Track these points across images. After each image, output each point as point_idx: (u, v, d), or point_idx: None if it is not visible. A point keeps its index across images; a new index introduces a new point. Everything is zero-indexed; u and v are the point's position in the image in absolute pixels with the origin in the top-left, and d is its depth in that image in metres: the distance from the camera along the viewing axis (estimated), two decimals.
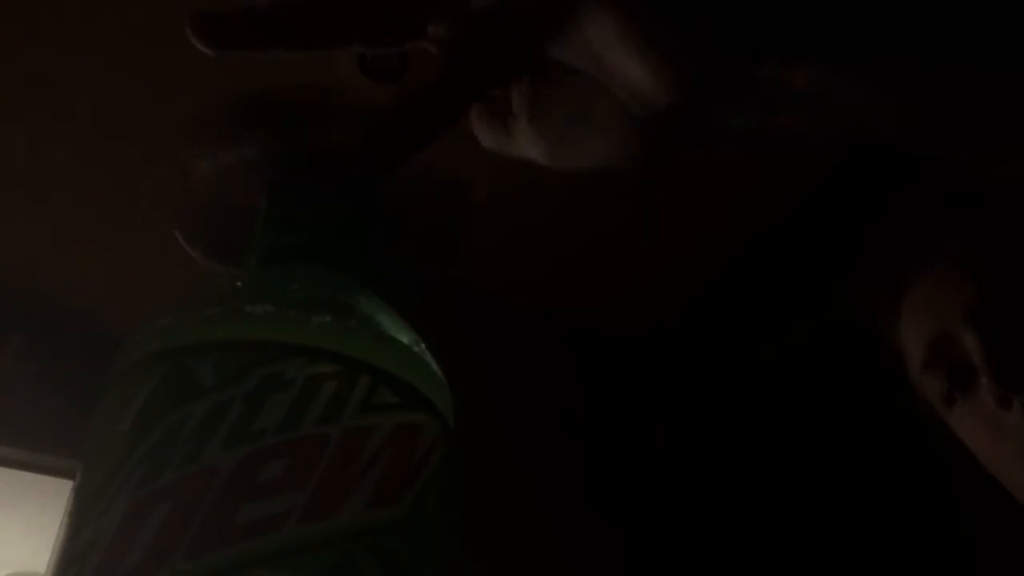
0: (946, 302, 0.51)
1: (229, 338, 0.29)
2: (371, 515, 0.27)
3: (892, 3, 0.31)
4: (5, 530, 1.32)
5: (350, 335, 0.30)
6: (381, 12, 0.32)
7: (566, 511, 1.26)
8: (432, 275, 0.57)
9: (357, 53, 0.39)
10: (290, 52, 0.32)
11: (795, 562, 1.25)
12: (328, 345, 0.29)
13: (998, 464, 0.51)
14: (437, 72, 0.32)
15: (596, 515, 1.30)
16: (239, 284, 0.33)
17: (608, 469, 1.38)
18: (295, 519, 0.26)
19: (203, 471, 0.26)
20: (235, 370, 0.28)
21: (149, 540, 0.25)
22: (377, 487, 0.27)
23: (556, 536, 1.21)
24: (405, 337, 0.32)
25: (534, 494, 1.23)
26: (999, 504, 0.52)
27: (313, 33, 0.33)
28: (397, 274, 0.40)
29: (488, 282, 0.62)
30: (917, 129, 0.31)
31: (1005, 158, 0.34)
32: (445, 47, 0.33)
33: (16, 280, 0.61)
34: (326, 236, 0.37)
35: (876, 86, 0.30)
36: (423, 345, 0.33)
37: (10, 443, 0.78)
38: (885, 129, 0.32)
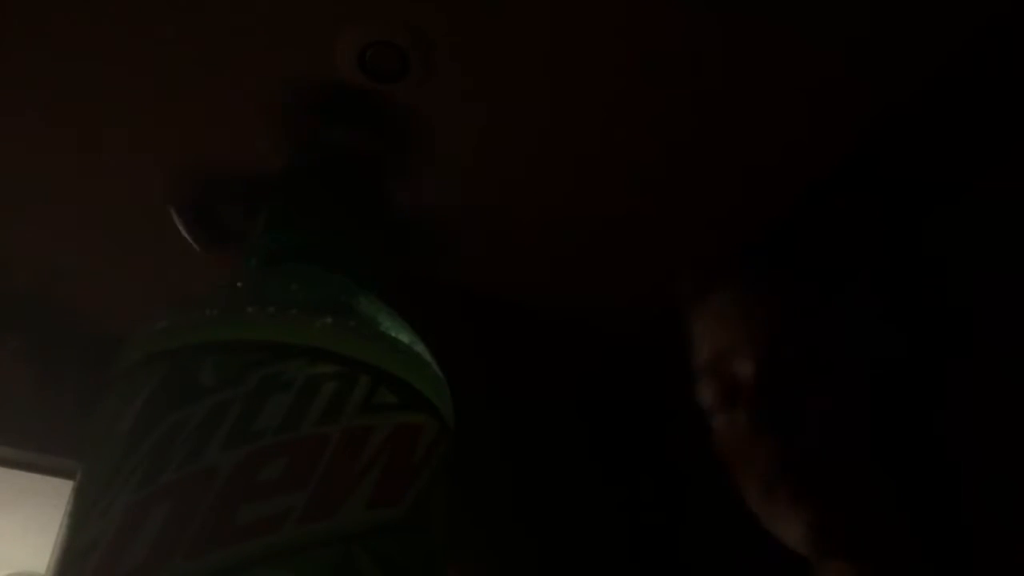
0: (738, 321, 0.54)
1: (229, 338, 0.29)
2: (371, 515, 0.27)
3: None
4: (5, 530, 1.31)
5: (350, 335, 0.30)
6: None
7: (567, 511, 1.26)
8: (432, 275, 0.57)
9: (357, 52, 0.39)
10: None
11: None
12: (328, 345, 0.29)
13: (737, 480, 0.53)
14: None
15: (597, 515, 1.30)
16: (239, 284, 0.33)
17: (609, 469, 1.38)
18: (295, 519, 0.26)
19: (203, 471, 0.26)
20: (235, 371, 0.28)
21: (149, 540, 0.25)
22: (377, 487, 0.27)
23: (557, 536, 1.21)
24: (405, 337, 0.32)
25: (535, 494, 1.22)
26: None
27: None
28: (397, 274, 0.40)
29: (488, 282, 0.62)
30: None
31: None
32: None
33: (16, 280, 0.61)
34: (326, 236, 0.37)
35: None
36: (423, 345, 0.33)
37: (10, 443, 0.78)
38: None
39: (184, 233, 0.42)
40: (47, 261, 0.56)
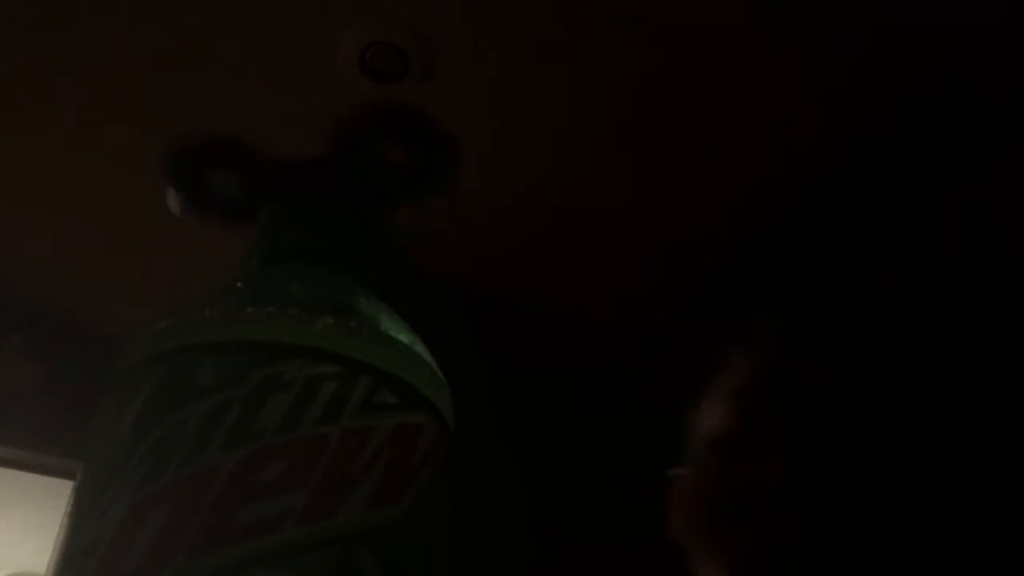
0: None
1: (229, 339, 0.29)
2: (371, 515, 0.27)
3: None
4: (5, 530, 1.32)
5: (350, 336, 0.30)
6: None
7: (567, 511, 1.26)
8: (432, 275, 0.57)
9: (358, 52, 0.39)
10: None
11: None
12: (328, 346, 0.29)
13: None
14: None
15: (597, 515, 1.30)
16: (239, 284, 0.33)
17: (609, 469, 1.38)
18: (295, 519, 0.26)
19: (203, 472, 0.26)
20: (235, 371, 0.28)
21: (149, 540, 0.25)
22: (377, 488, 0.27)
23: (556, 536, 1.21)
24: (405, 337, 0.32)
25: (535, 494, 1.22)
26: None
27: None
28: (397, 274, 0.40)
29: (488, 282, 0.62)
30: None
31: None
32: None
33: (16, 280, 0.61)
34: (326, 236, 0.37)
35: None
36: (423, 345, 0.33)
37: (10, 443, 0.78)
38: None
39: (172, 202, 0.41)
40: (49, 263, 0.56)
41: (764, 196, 0.55)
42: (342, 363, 0.29)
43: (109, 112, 0.42)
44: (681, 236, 0.58)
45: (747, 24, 0.40)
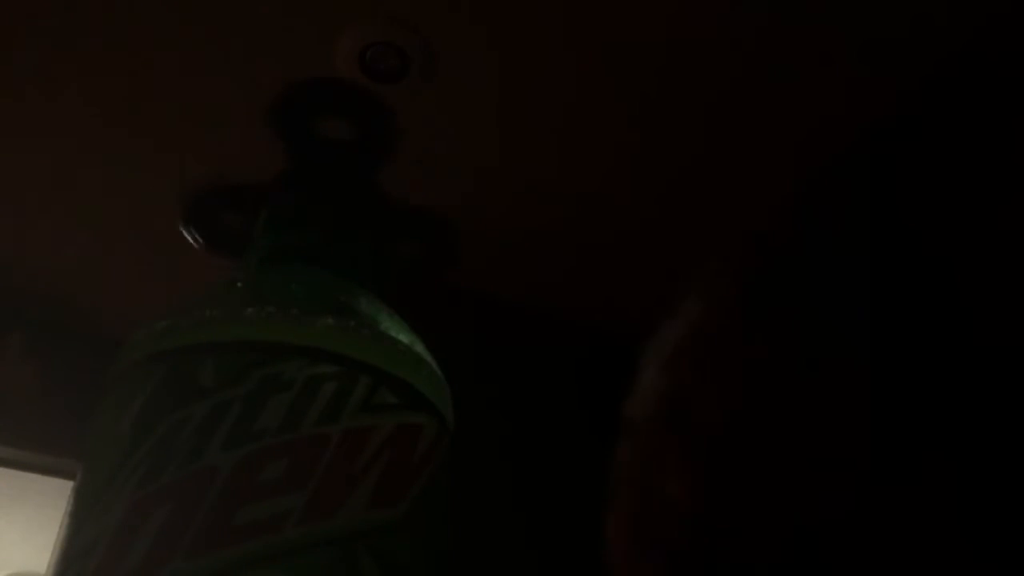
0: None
1: (229, 339, 0.29)
2: (371, 515, 0.27)
3: None
4: (5, 530, 1.32)
5: (350, 336, 0.30)
6: None
7: (567, 512, 1.26)
8: (433, 276, 0.57)
9: (358, 52, 0.39)
10: None
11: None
12: (328, 346, 0.29)
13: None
14: None
15: (597, 515, 1.30)
16: (239, 285, 0.33)
17: (610, 470, 1.38)
18: (295, 519, 0.26)
19: (203, 471, 0.26)
20: (235, 371, 0.28)
21: (149, 540, 0.25)
22: (377, 487, 0.27)
23: (557, 536, 1.21)
24: (405, 337, 0.32)
25: (535, 494, 1.22)
26: None
27: None
28: (397, 274, 0.40)
29: (488, 282, 0.63)
30: None
31: None
32: None
33: (16, 280, 0.61)
34: (326, 236, 0.37)
35: None
36: (423, 345, 0.33)
37: (10, 443, 0.78)
38: None
39: (191, 241, 0.42)
40: (49, 263, 0.56)
41: (766, 203, 0.56)
42: (342, 363, 0.29)
43: (108, 113, 0.43)
44: (684, 239, 0.59)
45: (758, 30, 0.41)
